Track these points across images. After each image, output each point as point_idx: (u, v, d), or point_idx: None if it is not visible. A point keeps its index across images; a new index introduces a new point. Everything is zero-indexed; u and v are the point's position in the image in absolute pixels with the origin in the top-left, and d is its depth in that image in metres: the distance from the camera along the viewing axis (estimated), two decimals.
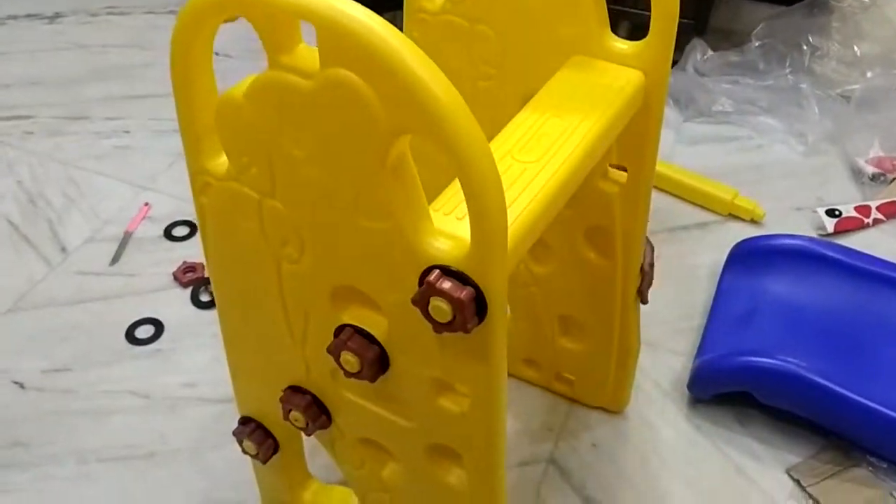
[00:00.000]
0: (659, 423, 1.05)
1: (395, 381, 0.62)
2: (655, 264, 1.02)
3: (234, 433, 0.80)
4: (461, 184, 0.48)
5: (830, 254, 1.15)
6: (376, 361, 0.60)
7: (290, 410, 0.71)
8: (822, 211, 1.32)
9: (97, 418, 1.05)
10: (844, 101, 1.51)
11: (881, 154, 1.41)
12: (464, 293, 0.49)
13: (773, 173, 1.43)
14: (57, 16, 1.81)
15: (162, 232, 1.30)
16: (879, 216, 1.32)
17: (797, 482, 0.98)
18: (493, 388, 0.59)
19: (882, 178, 1.39)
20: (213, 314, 1.17)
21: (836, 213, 1.32)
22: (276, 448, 0.80)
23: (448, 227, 0.53)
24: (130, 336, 1.15)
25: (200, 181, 0.61)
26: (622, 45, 0.74)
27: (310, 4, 0.46)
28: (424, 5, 0.78)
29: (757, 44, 1.58)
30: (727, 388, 1.03)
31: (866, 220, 1.31)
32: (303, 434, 0.73)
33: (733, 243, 1.21)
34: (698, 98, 1.53)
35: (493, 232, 0.48)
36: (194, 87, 0.57)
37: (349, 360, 0.60)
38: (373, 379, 0.61)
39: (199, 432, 1.03)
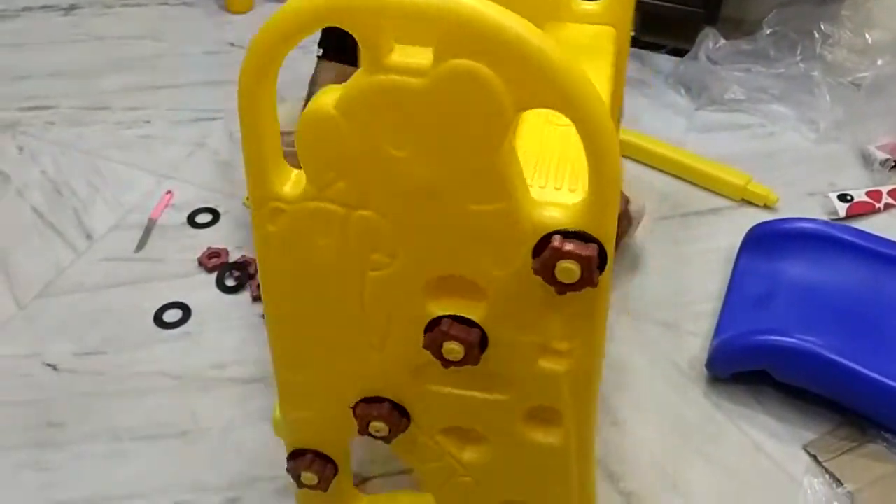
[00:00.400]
0: (678, 401, 1.08)
1: (494, 358, 0.65)
2: (668, 249, 1.04)
3: (289, 470, 0.80)
4: (585, 143, 0.51)
5: (845, 236, 1.17)
6: (478, 343, 0.63)
7: (370, 422, 0.72)
8: (833, 196, 1.34)
9: (130, 399, 1.07)
10: (855, 89, 1.53)
11: (892, 140, 1.44)
12: (590, 250, 0.54)
13: (785, 160, 1.45)
14: (72, 7, 1.83)
15: (185, 219, 1.32)
16: (891, 201, 1.34)
17: (814, 458, 1.01)
18: (598, 338, 0.63)
19: (893, 164, 1.41)
20: (238, 298, 1.20)
21: (848, 197, 1.34)
22: (335, 472, 0.81)
23: (549, 198, 0.59)
24: (159, 320, 1.17)
25: (269, 209, 0.61)
26: (588, 5, 0.77)
27: (423, 4, 0.48)
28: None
29: (768, 32, 1.60)
30: (745, 366, 1.06)
31: (877, 205, 1.34)
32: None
33: (747, 228, 1.23)
34: (711, 86, 1.55)
35: (610, 186, 0.53)
36: (262, 114, 0.57)
37: (453, 348, 0.62)
38: (476, 361, 0.64)
39: (230, 411, 1.05)
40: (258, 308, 1.18)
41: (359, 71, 0.54)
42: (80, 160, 1.43)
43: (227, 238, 1.28)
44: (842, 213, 1.32)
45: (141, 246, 1.28)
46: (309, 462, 0.79)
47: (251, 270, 1.22)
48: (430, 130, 0.54)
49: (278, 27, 0.53)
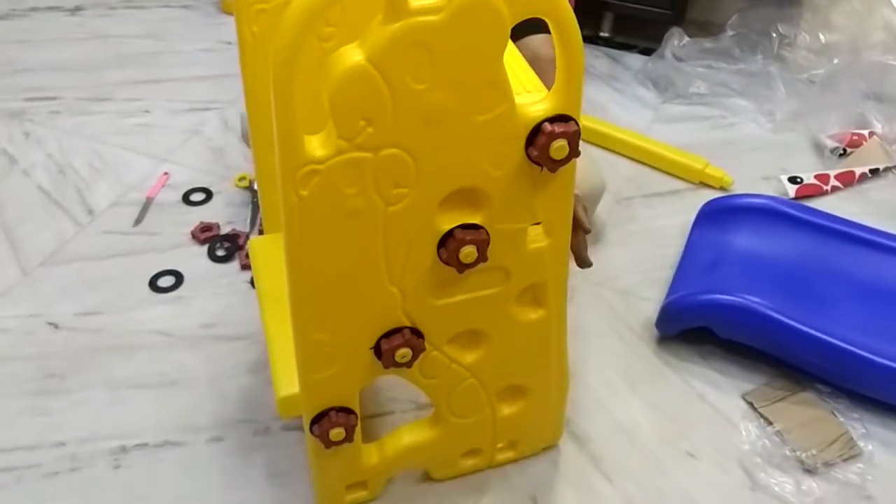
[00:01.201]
0: (629, 357, 1.17)
1: (494, 253, 0.77)
2: (629, 225, 1.13)
3: (317, 434, 0.85)
4: (559, 37, 0.67)
5: (790, 210, 1.27)
6: (487, 241, 0.75)
7: (395, 352, 0.80)
8: (784, 178, 1.44)
9: (125, 353, 1.16)
10: (810, 84, 1.63)
11: (842, 130, 1.53)
12: (572, 126, 0.70)
13: (743, 147, 1.55)
14: (77, 9, 1.94)
15: (180, 197, 1.42)
16: (837, 184, 1.44)
17: (750, 405, 1.10)
18: (569, 209, 0.79)
19: (842, 152, 1.51)
20: (227, 267, 1.29)
21: (798, 180, 1.44)
22: (357, 420, 0.87)
23: (526, 99, 0.71)
24: (153, 285, 1.26)
25: (302, 174, 0.67)
26: None
27: None
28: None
29: (731, 33, 1.71)
30: (690, 323, 1.15)
31: (825, 187, 1.43)
32: None
33: None
34: (676, 81, 1.66)
35: (576, 74, 0.69)
36: (294, 87, 0.62)
37: (469, 252, 0.75)
38: (486, 258, 0.76)
39: (216, 364, 1.15)
40: (245, 275, 1.27)
41: (377, 23, 0.64)
42: (83, 145, 1.53)
43: (219, 214, 1.37)
44: (791, 194, 1.41)
45: (139, 221, 1.38)
46: (334, 419, 0.85)
47: (240, 242, 1.32)
48: (446, 58, 0.65)
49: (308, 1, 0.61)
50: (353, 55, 0.64)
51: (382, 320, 0.80)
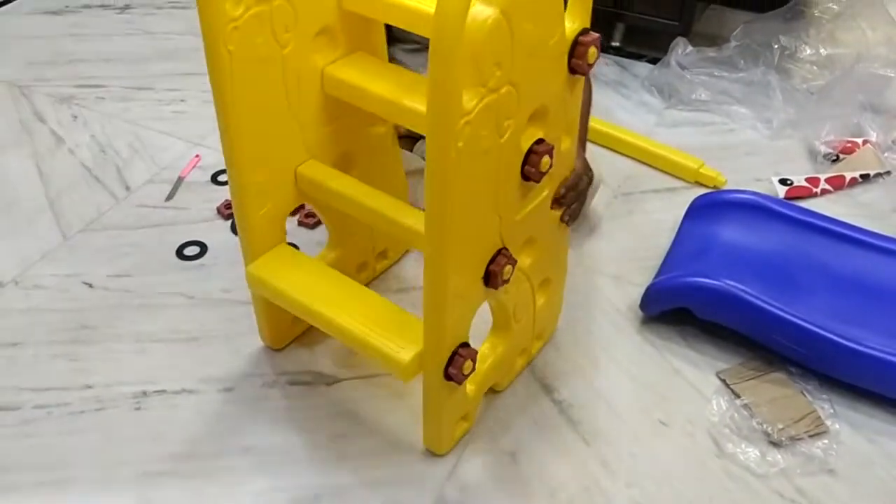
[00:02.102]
0: (613, 336, 1.25)
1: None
2: (625, 218, 1.22)
3: (453, 374, 0.95)
4: None
5: (775, 206, 1.35)
6: (552, 148, 0.91)
7: (503, 271, 0.94)
8: (775, 180, 1.51)
9: (152, 311, 1.28)
10: (808, 94, 1.70)
11: (836, 138, 1.60)
12: (595, 35, 0.89)
13: (740, 152, 1.63)
14: (126, 7, 2.09)
15: (209, 178, 1.54)
16: (827, 187, 1.51)
17: (723, 381, 1.17)
18: (578, 110, 0.99)
19: (835, 158, 1.57)
20: None
21: (788, 182, 1.51)
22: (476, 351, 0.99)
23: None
24: (180, 254, 1.38)
25: (460, 126, 0.77)
26: None
27: None
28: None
29: (735, 44, 1.79)
30: (671, 304, 1.23)
31: (815, 190, 1.50)
32: None
33: None
34: (679, 88, 1.74)
35: None
36: (462, 49, 0.75)
37: (546, 161, 0.91)
38: (552, 165, 0.92)
39: (232, 324, 1.25)
40: None
41: None
42: (124, 128, 1.66)
43: None
44: (781, 195, 1.49)
45: (170, 196, 1.50)
46: (464, 355, 0.95)
47: None
48: (536, 5, 0.80)
49: None
50: (486, 11, 0.76)
51: (489, 248, 0.94)
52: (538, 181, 0.93)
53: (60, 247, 1.39)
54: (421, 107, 0.90)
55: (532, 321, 1.13)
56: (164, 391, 1.16)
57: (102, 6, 2.08)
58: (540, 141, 0.91)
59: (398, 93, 0.99)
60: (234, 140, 0.98)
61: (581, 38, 0.89)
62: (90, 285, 1.32)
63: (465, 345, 0.97)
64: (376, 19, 1.05)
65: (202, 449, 1.09)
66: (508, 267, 0.95)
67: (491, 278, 0.94)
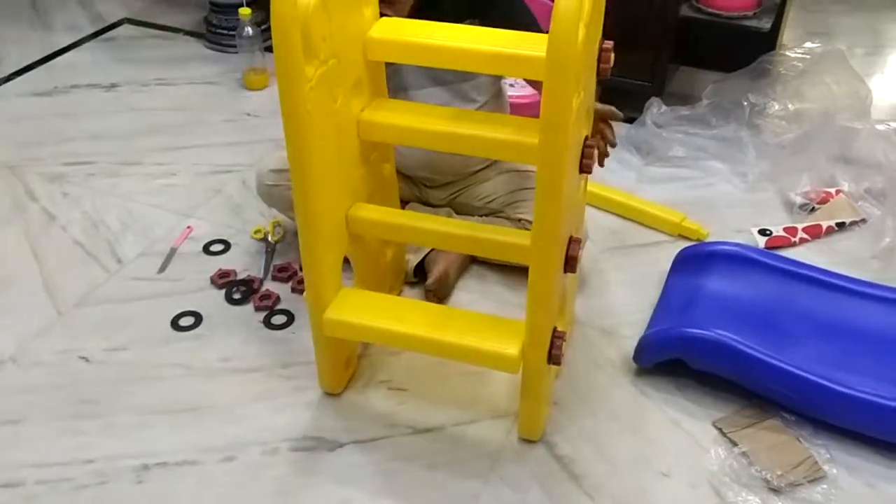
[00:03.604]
0: (610, 388, 1.27)
1: None
2: (612, 273, 1.29)
3: (555, 353, 1.08)
4: None
5: (756, 256, 1.39)
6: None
7: (577, 254, 1.08)
8: (755, 230, 1.56)
9: (150, 383, 1.28)
10: (780, 148, 1.77)
11: (810, 189, 1.66)
12: (610, 44, 1.05)
13: (719, 205, 1.68)
14: (113, 86, 2.13)
15: (201, 248, 1.55)
16: (805, 236, 1.56)
17: (720, 430, 1.19)
18: None
19: (811, 209, 1.63)
20: (243, 309, 1.41)
21: (768, 232, 1.56)
22: None
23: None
24: (175, 324, 1.39)
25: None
26: None
27: None
28: None
29: (706, 102, 1.86)
30: (665, 355, 1.25)
31: (793, 239, 1.55)
32: None
33: None
34: (656, 146, 1.80)
35: (600, 12, 1.01)
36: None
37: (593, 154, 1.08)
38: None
39: (233, 392, 1.26)
40: (259, 316, 1.40)
41: None
42: (115, 203, 1.68)
43: (236, 262, 1.50)
44: (761, 245, 1.53)
45: (163, 268, 1.51)
46: (559, 335, 1.09)
47: (255, 286, 1.44)
48: None
49: None
50: None
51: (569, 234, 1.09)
52: (589, 172, 1.10)
53: (56, 323, 1.39)
54: (463, 131, 1.09)
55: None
56: (165, 463, 1.15)
57: (90, 85, 2.12)
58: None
59: (440, 124, 1.12)
60: (310, 197, 1.05)
61: (604, 46, 1.06)
62: (87, 360, 1.32)
63: (555, 329, 1.10)
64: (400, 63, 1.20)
65: None
66: (579, 251, 1.09)
67: (569, 264, 1.07)
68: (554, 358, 1.10)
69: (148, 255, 1.54)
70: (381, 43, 1.09)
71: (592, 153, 1.06)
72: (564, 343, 1.11)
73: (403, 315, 1.15)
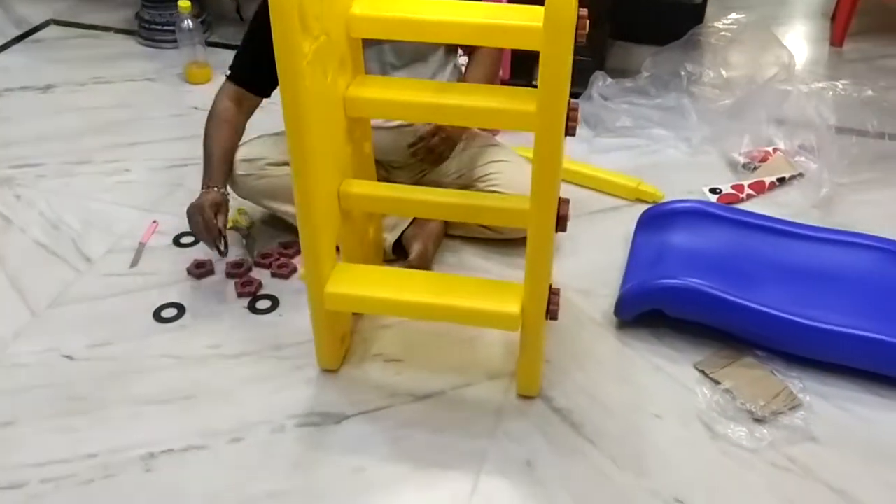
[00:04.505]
0: (595, 343, 1.33)
1: None
2: (579, 238, 1.33)
3: (553, 308, 1.14)
4: None
5: (715, 211, 1.48)
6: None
7: (567, 214, 1.12)
8: (706, 189, 1.66)
9: (141, 375, 1.26)
10: (718, 113, 1.88)
11: (751, 149, 1.77)
12: (584, 11, 0.98)
13: (668, 168, 1.77)
14: (48, 87, 2.06)
15: (171, 241, 1.54)
16: (751, 192, 1.67)
17: (702, 371, 1.27)
18: None
19: (753, 167, 1.74)
20: (226, 296, 1.41)
21: (718, 190, 1.66)
22: None
23: None
24: (157, 316, 1.37)
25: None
26: None
27: None
28: None
29: (646, 74, 1.95)
30: (645, 306, 1.32)
31: (741, 195, 1.66)
32: None
33: None
34: (604, 117, 1.88)
35: None
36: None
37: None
38: None
39: (228, 377, 1.26)
40: (243, 302, 1.40)
41: None
42: (72, 202, 1.64)
43: (210, 253, 1.49)
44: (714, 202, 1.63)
45: (135, 263, 1.49)
46: (555, 292, 1.15)
47: (239, 271, 1.44)
48: None
49: None
50: None
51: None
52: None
53: (31, 324, 1.35)
54: (457, 102, 1.11)
55: None
56: (171, 450, 1.15)
57: (24, 88, 2.05)
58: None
59: (427, 97, 1.14)
60: (310, 174, 1.06)
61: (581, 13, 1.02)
62: (70, 357, 1.29)
63: (550, 286, 1.17)
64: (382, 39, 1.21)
65: (226, 500, 1.09)
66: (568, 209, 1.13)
67: (560, 223, 1.11)
68: (552, 313, 1.15)
69: (116, 252, 1.52)
70: (364, 20, 1.11)
71: (576, 115, 1.11)
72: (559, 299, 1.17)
73: (403, 284, 1.18)
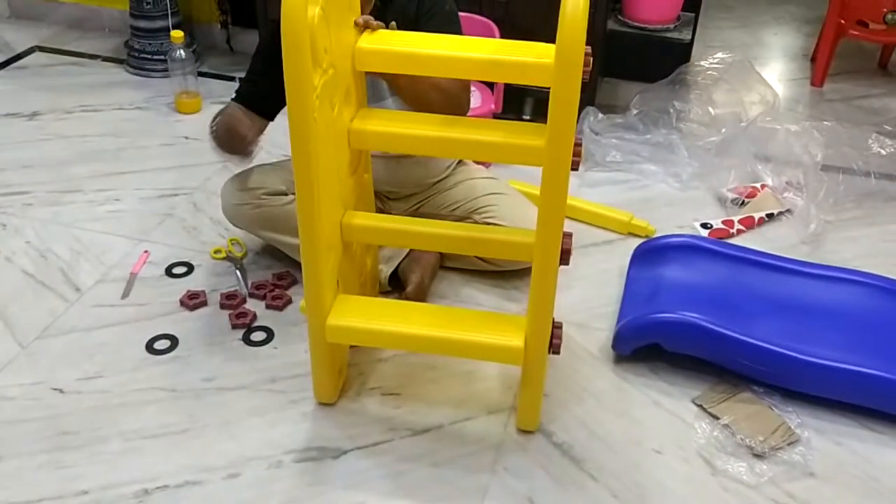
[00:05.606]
0: (593, 377, 1.33)
1: None
2: (573, 272, 1.33)
3: (556, 342, 1.13)
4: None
5: (708, 245, 1.50)
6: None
7: (570, 247, 1.13)
8: (697, 224, 1.68)
9: (134, 408, 1.24)
10: (706, 149, 1.91)
11: (739, 185, 1.80)
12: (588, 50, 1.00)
13: (658, 203, 1.79)
14: (35, 114, 2.04)
15: (163, 272, 1.52)
16: (741, 227, 1.69)
17: (700, 406, 1.27)
18: None
19: (741, 202, 1.76)
20: (220, 328, 1.39)
21: (708, 225, 1.68)
22: None
23: None
24: (150, 348, 1.35)
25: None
26: None
27: None
28: None
29: (635, 111, 1.98)
30: (642, 341, 1.33)
31: (731, 230, 1.68)
32: None
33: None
34: (594, 152, 1.90)
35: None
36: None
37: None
38: None
39: (224, 411, 1.24)
40: (237, 334, 1.38)
41: None
42: (60, 232, 1.62)
43: (203, 284, 1.48)
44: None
45: (126, 294, 1.46)
46: (559, 326, 1.15)
47: (234, 303, 1.43)
48: None
49: None
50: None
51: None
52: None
53: (19, 356, 1.32)
54: (463, 136, 1.11)
55: None
56: (166, 486, 1.12)
57: (9, 115, 2.02)
58: None
59: (434, 130, 1.14)
60: (315, 206, 1.05)
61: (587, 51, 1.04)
62: (61, 391, 1.26)
63: (553, 319, 1.16)
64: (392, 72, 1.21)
65: None
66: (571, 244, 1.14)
67: (563, 257, 1.11)
68: (554, 347, 1.15)
69: (107, 282, 1.49)
70: (371, 53, 1.12)
71: (580, 151, 1.12)
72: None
73: (405, 316, 1.17)
